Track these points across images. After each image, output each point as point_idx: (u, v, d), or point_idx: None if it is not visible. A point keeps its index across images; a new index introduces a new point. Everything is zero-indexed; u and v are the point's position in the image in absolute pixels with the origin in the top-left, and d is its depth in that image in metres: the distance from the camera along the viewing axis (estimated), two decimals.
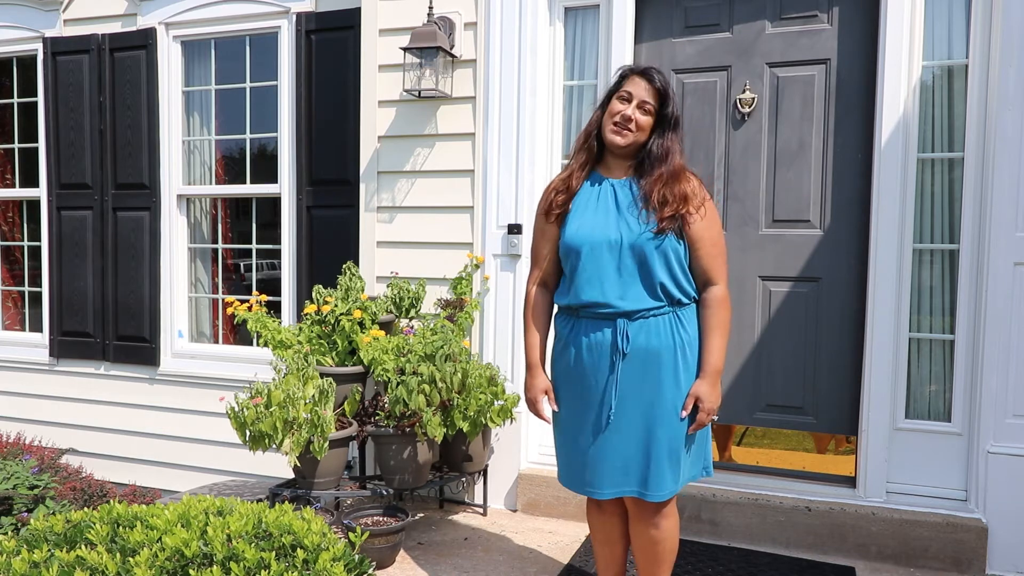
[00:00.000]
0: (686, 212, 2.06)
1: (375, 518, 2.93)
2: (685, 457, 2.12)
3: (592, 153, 2.19)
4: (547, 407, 2.28)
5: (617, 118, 2.10)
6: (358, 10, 3.69)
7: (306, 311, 3.23)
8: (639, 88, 2.10)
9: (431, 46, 3.29)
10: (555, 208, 2.19)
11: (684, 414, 2.08)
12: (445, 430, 2.88)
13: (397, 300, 3.30)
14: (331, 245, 3.96)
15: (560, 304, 2.24)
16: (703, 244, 2.10)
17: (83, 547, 1.62)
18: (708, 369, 2.09)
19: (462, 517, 3.35)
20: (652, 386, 2.07)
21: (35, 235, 4.82)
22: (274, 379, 2.83)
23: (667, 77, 2.13)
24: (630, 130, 2.10)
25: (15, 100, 4.79)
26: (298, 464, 2.83)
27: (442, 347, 2.94)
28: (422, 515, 3.35)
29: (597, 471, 2.12)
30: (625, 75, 2.15)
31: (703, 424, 2.09)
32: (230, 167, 4.44)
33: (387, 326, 3.28)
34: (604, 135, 2.15)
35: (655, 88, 2.09)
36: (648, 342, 2.07)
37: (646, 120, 2.10)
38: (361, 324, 3.15)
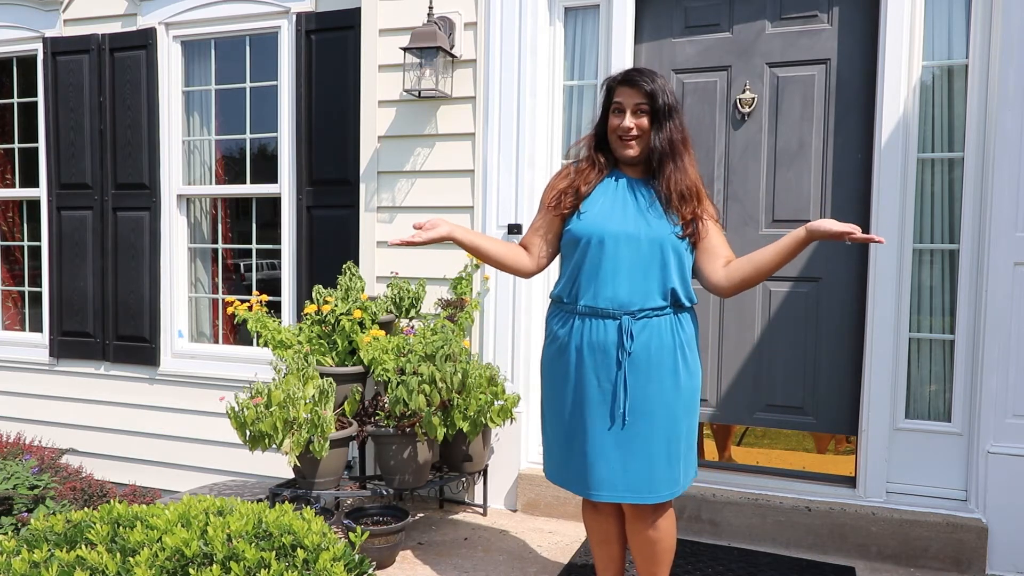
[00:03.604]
0: (702, 211, 2.11)
1: (375, 518, 2.93)
2: (682, 459, 2.12)
3: (603, 174, 2.20)
4: None
5: (619, 132, 2.13)
6: (358, 10, 3.69)
7: (306, 311, 3.23)
8: (627, 96, 2.11)
9: (431, 46, 3.29)
10: (564, 208, 2.18)
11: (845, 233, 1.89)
12: (445, 430, 2.88)
13: (397, 300, 3.30)
14: (331, 245, 3.96)
15: (560, 299, 2.20)
16: (716, 231, 2.15)
17: (83, 547, 1.61)
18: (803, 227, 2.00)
19: (462, 517, 3.35)
20: (652, 387, 2.07)
21: (35, 235, 4.82)
22: (274, 379, 2.83)
23: (654, 73, 2.13)
24: (634, 137, 2.12)
25: (15, 100, 4.79)
26: (298, 464, 2.83)
27: (442, 347, 2.94)
28: (422, 515, 3.36)
29: (597, 473, 2.10)
30: (611, 87, 2.16)
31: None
32: (230, 167, 4.44)
33: (387, 326, 3.28)
34: (616, 152, 2.17)
35: (643, 91, 2.10)
36: (650, 342, 2.07)
37: (645, 122, 2.11)
38: (361, 324, 3.15)
